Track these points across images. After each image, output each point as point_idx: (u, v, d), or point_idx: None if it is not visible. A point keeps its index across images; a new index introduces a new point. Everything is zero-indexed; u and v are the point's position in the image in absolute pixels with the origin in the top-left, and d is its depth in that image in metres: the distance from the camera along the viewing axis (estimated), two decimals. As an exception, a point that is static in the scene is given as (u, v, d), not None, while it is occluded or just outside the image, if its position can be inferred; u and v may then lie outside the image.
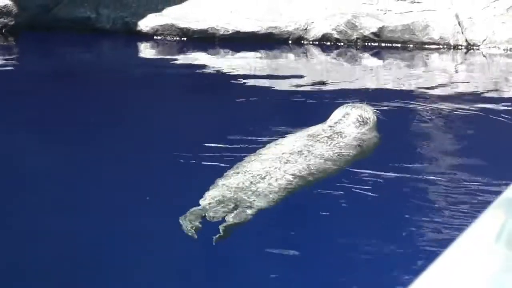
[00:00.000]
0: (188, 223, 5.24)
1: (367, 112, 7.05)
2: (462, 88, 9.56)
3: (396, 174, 6.52)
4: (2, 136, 7.32)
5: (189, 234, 5.16)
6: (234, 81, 9.49)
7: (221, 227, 5.26)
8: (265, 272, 5.08)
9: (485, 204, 5.59)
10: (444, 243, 5.19)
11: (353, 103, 7.22)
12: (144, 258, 5.19)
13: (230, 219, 5.37)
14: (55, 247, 5.32)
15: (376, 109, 7.21)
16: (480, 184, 6.29)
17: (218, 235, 5.18)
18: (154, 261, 5.14)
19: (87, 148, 6.93)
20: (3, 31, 11.30)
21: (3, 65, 10.15)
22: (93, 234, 5.48)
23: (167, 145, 7.03)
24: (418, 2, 11.67)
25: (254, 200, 5.60)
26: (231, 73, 9.85)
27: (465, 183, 6.31)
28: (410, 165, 6.72)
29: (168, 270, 5.06)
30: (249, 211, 5.47)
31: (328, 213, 5.80)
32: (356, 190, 6.21)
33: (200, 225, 5.22)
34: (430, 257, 5.06)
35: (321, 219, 5.73)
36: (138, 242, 5.38)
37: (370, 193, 6.18)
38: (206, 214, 5.40)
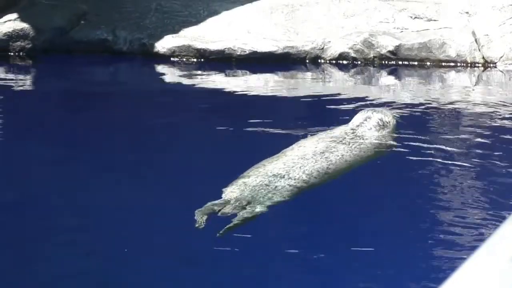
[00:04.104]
0: (200, 217, 5.46)
1: (387, 116, 7.31)
2: (481, 100, 9.56)
3: (413, 175, 6.58)
4: (18, 154, 7.33)
5: (196, 225, 5.40)
6: (253, 98, 9.51)
7: (231, 223, 5.46)
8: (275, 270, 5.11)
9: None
10: (465, 251, 5.15)
11: (374, 107, 7.39)
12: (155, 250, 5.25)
13: (241, 215, 5.53)
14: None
15: (396, 114, 7.40)
16: (503, 189, 6.26)
17: (224, 228, 5.39)
18: (164, 251, 5.21)
19: (103, 166, 7.00)
20: (21, 54, 11.36)
21: (21, 87, 10.19)
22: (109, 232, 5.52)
23: (187, 148, 7.08)
24: (434, 20, 11.67)
25: (269, 199, 5.75)
26: (249, 92, 9.87)
27: (486, 187, 6.29)
28: (426, 168, 6.75)
29: (177, 265, 5.17)
30: (260, 208, 5.63)
31: (344, 211, 5.84)
32: (372, 191, 6.27)
33: (205, 220, 5.45)
34: (452, 264, 5.00)
35: (336, 218, 5.77)
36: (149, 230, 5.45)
37: (387, 196, 6.21)
38: (220, 210, 5.58)
